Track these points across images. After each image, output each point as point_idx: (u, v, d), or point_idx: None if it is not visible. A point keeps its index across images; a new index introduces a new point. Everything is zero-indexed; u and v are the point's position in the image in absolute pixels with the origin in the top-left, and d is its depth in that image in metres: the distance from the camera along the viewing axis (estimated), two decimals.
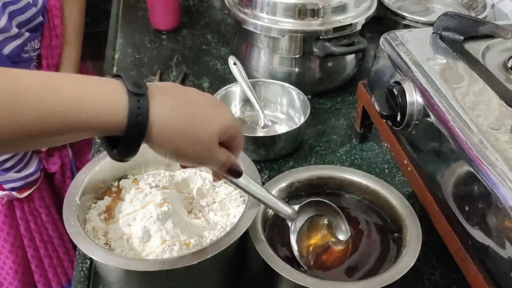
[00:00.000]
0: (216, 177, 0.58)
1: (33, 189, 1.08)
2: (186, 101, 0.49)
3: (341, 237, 0.66)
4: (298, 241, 0.64)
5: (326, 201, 0.66)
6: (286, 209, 0.63)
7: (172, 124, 0.47)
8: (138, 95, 0.45)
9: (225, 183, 0.71)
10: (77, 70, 1.13)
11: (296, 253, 0.63)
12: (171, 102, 0.48)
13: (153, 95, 0.46)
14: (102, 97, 0.44)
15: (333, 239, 0.66)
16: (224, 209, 0.68)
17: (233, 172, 0.55)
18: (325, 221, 0.66)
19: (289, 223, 0.64)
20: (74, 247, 1.24)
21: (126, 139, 0.45)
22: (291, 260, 0.62)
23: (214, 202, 0.70)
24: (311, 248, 0.65)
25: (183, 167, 0.61)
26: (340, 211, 0.65)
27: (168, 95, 0.48)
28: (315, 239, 0.66)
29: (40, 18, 0.98)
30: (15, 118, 0.40)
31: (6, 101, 0.40)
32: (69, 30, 1.09)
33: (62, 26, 1.06)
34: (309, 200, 0.65)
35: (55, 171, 1.13)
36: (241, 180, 0.58)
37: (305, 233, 0.65)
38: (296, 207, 0.64)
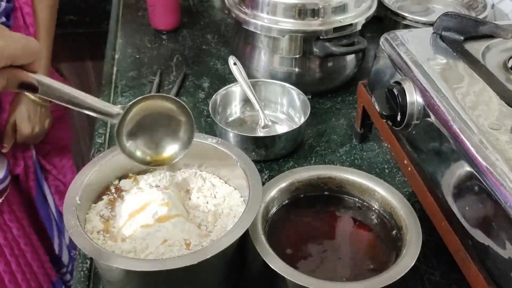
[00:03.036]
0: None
1: (1, 199, 1.02)
2: None
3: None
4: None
5: (167, 95, 0.61)
6: (107, 107, 0.58)
7: None
8: None
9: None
10: (47, 69, 1.07)
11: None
12: None
13: None
14: None
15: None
16: (224, 209, 0.68)
17: (27, 87, 0.52)
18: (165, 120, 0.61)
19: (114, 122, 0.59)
20: (51, 260, 1.17)
21: None
22: (291, 260, 0.62)
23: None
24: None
25: None
26: (185, 106, 0.61)
27: None
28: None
29: (3, 19, 0.93)
30: None
31: None
32: (39, 28, 1.04)
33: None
34: (142, 97, 0.60)
35: (19, 173, 1.08)
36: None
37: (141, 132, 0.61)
38: (119, 107, 0.59)
